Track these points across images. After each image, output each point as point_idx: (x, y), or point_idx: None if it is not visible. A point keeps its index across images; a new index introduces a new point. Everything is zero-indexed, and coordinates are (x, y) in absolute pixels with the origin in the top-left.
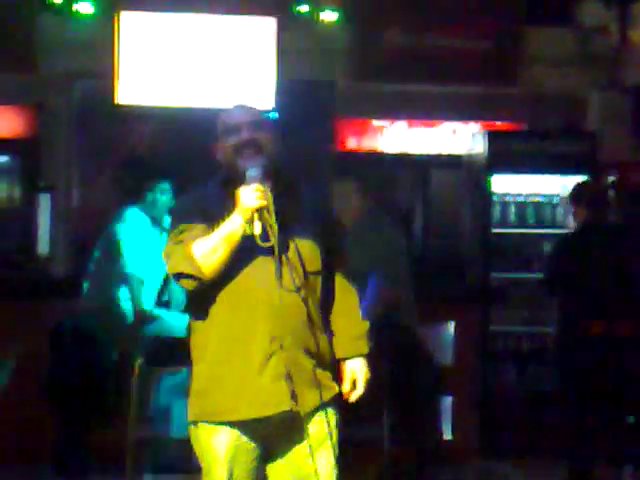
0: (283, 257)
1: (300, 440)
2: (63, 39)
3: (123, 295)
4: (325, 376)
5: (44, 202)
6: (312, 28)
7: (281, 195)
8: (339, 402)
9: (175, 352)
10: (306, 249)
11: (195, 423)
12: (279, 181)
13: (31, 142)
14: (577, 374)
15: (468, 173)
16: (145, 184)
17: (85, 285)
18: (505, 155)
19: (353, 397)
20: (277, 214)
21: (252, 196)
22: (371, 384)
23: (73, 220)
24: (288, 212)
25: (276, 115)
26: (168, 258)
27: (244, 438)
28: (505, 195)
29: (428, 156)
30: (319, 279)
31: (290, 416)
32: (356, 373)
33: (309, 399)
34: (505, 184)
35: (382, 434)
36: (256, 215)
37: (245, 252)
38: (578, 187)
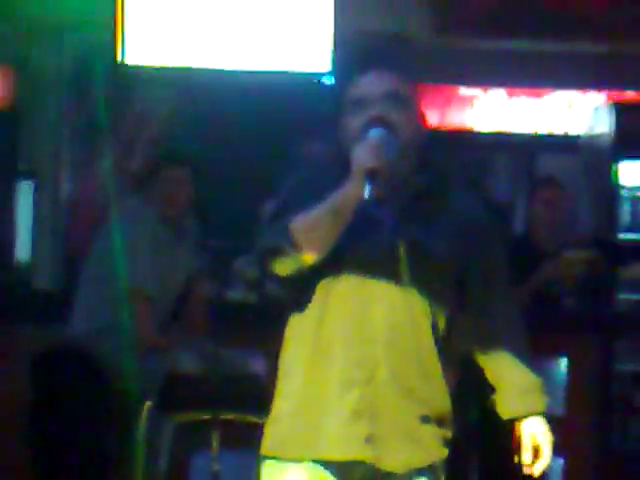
0: (401, 253)
1: None
2: None
3: (124, 316)
4: (432, 433)
5: (24, 193)
6: None
7: (423, 194)
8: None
9: (195, 393)
10: (433, 262)
11: (263, 459)
12: (421, 175)
13: (8, 113)
14: None
15: (587, 159)
16: (155, 169)
17: (75, 303)
18: (638, 136)
19: (538, 469)
20: (400, 188)
21: (368, 154)
22: (453, 443)
23: (62, 217)
24: (425, 213)
25: (332, 80)
26: (260, 237)
27: None
28: (637, 189)
29: (534, 136)
30: (443, 303)
31: (374, 475)
32: (538, 437)
33: (398, 456)
34: (638, 175)
35: None
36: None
37: (352, 237)
38: None
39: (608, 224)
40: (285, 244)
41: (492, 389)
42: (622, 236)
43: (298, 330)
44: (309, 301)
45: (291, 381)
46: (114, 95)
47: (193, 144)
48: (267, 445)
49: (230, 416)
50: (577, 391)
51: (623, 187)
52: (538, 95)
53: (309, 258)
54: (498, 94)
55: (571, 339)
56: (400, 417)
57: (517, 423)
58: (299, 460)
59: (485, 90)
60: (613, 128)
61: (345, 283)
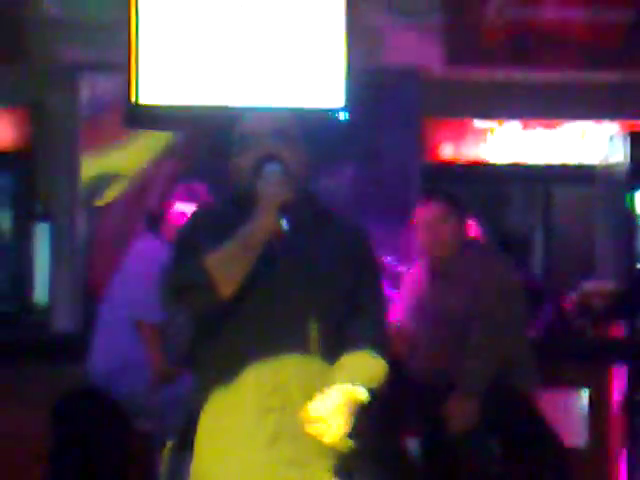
0: (299, 282)
1: None
2: (64, 21)
3: (140, 354)
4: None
5: (41, 234)
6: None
7: (308, 228)
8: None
9: None
10: (328, 291)
11: None
12: (307, 211)
13: (24, 155)
14: None
15: (604, 189)
16: (170, 207)
17: (94, 343)
18: None
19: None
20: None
21: (276, 187)
22: (472, 473)
23: (80, 257)
24: (312, 248)
25: (346, 116)
26: (171, 273)
27: None
28: None
29: (549, 167)
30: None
31: None
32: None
33: (324, 475)
34: None
35: None
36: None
37: (256, 270)
38: None
39: (626, 253)
40: (200, 280)
41: None
42: None
43: (206, 363)
44: (218, 334)
45: (205, 414)
46: (131, 135)
47: (208, 182)
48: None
49: None
50: (600, 422)
51: None
52: (553, 126)
53: (223, 292)
54: (513, 126)
55: (592, 369)
56: (312, 440)
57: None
58: None
59: (500, 122)
60: (628, 157)
61: (252, 315)
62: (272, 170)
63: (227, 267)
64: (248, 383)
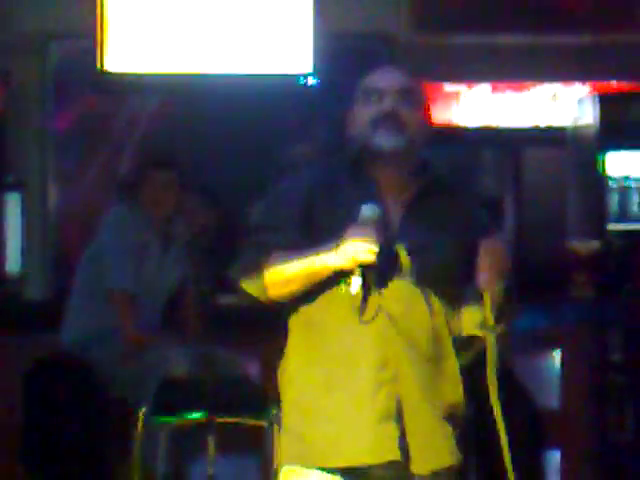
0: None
1: None
2: None
3: (115, 322)
4: (450, 434)
5: (12, 203)
6: None
7: (424, 193)
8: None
9: (189, 397)
10: (439, 261)
11: (279, 467)
12: (422, 174)
13: None
14: None
15: (574, 151)
16: (142, 174)
17: (67, 312)
18: (623, 126)
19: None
20: (385, 275)
21: (358, 246)
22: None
23: (51, 226)
24: (427, 213)
25: (315, 81)
26: (239, 259)
27: None
28: (624, 179)
29: (519, 130)
30: (452, 301)
31: (397, 475)
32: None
33: (424, 456)
34: (624, 165)
35: None
36: (357, 271)
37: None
38: None
39: (597, 215)
40: (253, 288)
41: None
42: (611, 227)
43: (302, 337)
44: (313, 308)
45: (301, 388)
46: (101, 102)
47: (179, 148)
48: (283, 454)
49: (226, 419)
50: (572, 383)
51: (610, 178)
52: (522, 89)
53: (272, 296)
54: (482, 89)
55: (564, 331)
56: (422, 417)
57: None
58: (322, 468)
59: (469, 86)
60: (598, 119)
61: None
62: (366, 216)
63: (285, 285)
64: (357, 358)
